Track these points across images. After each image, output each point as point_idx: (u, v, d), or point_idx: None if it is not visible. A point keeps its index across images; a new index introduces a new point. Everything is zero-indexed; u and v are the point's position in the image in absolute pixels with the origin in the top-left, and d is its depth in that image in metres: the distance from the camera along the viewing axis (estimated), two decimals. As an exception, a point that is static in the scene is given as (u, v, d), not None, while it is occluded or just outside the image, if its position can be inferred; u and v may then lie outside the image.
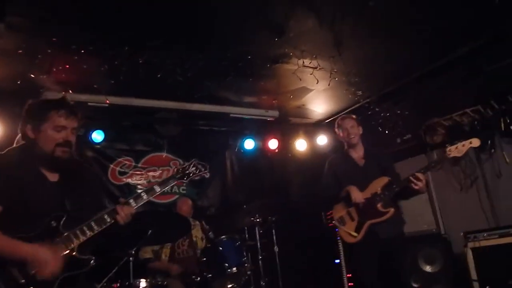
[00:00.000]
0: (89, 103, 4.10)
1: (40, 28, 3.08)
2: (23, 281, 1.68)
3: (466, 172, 4.30)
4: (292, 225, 4.89)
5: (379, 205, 3.01)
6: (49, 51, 3.26)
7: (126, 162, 4.84)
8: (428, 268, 4.06)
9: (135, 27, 3.20)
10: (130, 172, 4.83)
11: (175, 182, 2.24)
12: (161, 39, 3.34)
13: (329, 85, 4.27)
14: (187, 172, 2.29)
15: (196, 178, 2.32)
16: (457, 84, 4.35)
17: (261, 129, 5.53)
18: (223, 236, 3.69)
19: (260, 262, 4.07)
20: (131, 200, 2.01)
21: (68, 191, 1.94)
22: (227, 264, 3.47)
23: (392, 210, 3.00)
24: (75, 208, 1.92)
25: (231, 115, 4.98)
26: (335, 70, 4.06)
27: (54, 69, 3.47)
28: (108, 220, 1.90)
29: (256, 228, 4.12)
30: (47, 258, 1.71)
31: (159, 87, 3.88)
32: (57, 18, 3.00)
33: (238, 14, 3.17)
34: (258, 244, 4.10)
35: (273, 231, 4.34)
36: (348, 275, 4.70)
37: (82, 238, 1.84)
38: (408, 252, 4.18)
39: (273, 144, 5.55)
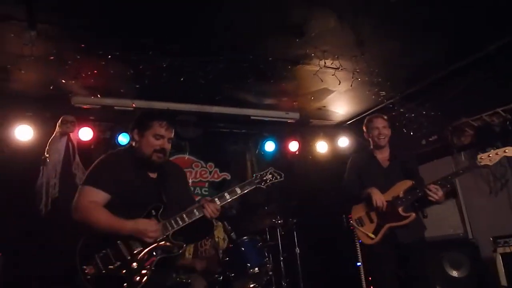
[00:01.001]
0: (115, 107, 4.24)
1: (69, 35, 3.22)
2: (129, 257, 2.07)
3: (496, 174, 4.14)
4: (313, 227, 4.87)
5: (400, 209, 2.95)
6: (78, 57, 3.40)
7: (150, 164, 4.97)
8: (454, 273, 3.95)
9: (158, 32, 3.29)
10: (154, 173, 4.95)
11: (252, 187, 2.44)
12: (183, 44, 3.42)
13: (351, 86, 4.22)
14: (265, 178, 2.50)
15: (274, 184, 2.54)
16: (486, 82, 4.17)
17: (281, 131, 5.53)
18: (245, 237, 3.72)
19: (281, 263, 4.09)
20: (216, 198, 2.31)
21: (164, 186, 2.28)
22: (249, 264, 3.51)
23: (413, 215, 2.93)
24: (170, 201, 2.25)
25: (251, 117, 5.00)
26: (358, 70, 4.00)
27: (83, 75, 3.60)
28: (197, 213, 2.23)
29: (278, 230, 4.13)
30: (147, 226, 2.10)
31: (181, 90, 3.97)
32: (85, 25, 3.14)
33: (258, 16, 3.19)
34: (280, 245, 4.12)
35: (294, 232, 4.35)
36: (369, 278, 4.62)
37: (176, 227, 2.18)
38: (433, 257, 4.09)
39: (293, 146, 5.53)
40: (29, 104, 4.22)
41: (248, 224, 4.36)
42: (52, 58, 3.35)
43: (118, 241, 2.08)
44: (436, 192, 2.83)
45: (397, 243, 2.94)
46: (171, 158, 5.02)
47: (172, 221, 2.18)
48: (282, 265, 4.08)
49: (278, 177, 2.56)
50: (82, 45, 3.31)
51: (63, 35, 3.20)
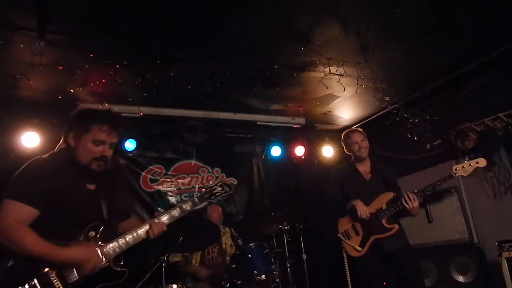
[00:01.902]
0: (122, 114, 4.26)
1: (78, 45, 3.24)
2: (60, 287, 1.74)
3: (500, 178, 4.17)
4: (320, 232, 4.88)
5: (383, 221, 3.07)
6: (86, 66, 3.42)
7: (157, 169, 4.99)
8: (460, 278, 3.97)
9: (166, 41, 3.32)
10: (161, 179, 4.98)
11: (204, 203, 2.36)
12: (190, 52, 3.44)
13: (356, 91, 4.25)
14: (214, 192, 2.38)
15: (223, 197, 2.44)
16: (488, 87, 4.23)
17: (287, 136, 5.57)
18: (252, 244, 3.73)
19: (288, 269, 4.09)
20: (164, 218, 2.10)
21: (104, 199, 1.98)
22: (256, 271, 3.52)
23: (396, 226, 3.06)
24: (110, 217, 1.98)
25: (258, 122, 5.03)
26: (362, 76, 4.04)
27: (91, 83, 3.63)
28: (142, 235, 2.00)
29: (284, 236, 4.15)
30: (86, 256, 1.80)
31: (188, 98, 3.99)
32: (94, 35, 3.16)
33: (264, 24, 3.22)
34: (286, 251, 4.13)
35: (301, 238, 4.36)
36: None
37: (118, 250, 1.92)
38: (440, 261, 4.11)
39: (299, 151, 5.57)
40: (36, 111, 4.24)
41: (255, 230, 4.38)
42: (61, 68, 3.37)
43: (47, 269, 1.74)
44: (412, 201, 2.97)
45: (385, 252, 3.04)
46: (178, 164, 5.16)
47: (115, 245, 1.90)
48: (289, 272, 4.09)
49: (228, 189, 2.43)
50: (91, 55, 3.33)
51: (72, 45, 3.22)
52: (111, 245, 1.90)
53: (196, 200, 2.25)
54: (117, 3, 2.86)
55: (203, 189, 2.37)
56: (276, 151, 5.51)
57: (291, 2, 2.95)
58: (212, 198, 2.36)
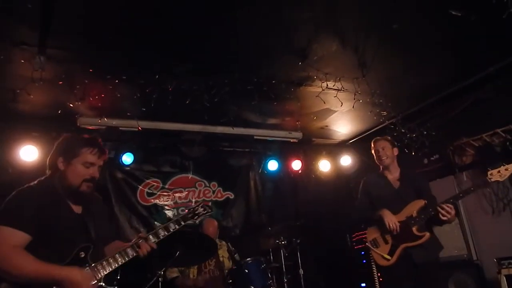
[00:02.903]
0: (120, 128, 4.29)
1: (78, 59, 3.28)
2: None
3: (499, 195, 4.16)
4: (317, 247, 4.86)
5: (414, 229, 2.95)
6: (86, 80, 3.46)
7: (154, 183, 5.00)
8: (459, 295, 3.94)
9: (165, 57, 3.36)
10: (158, 193, 4.98)
11: (187, 221, 2.38)
12: (189, 67, 3.49)
13: (353, 106, 4.28)
14: (197, 212, 2.46)
15: (204, 218, 2.49)
16: (486, 103, 4.27)
17: (284, 150, 5.58)
18: (249, 258, 3.72)
19: (285, 284, 4.06)
20: (151, 236, 2.16)
21: (90, 221, 2.07)
22: (252, 287, 3.52)
23: (427, 234, 2.93)
24: (98, 238, 2.05)
25: (255, 137, 5.05)
26: (359, 91, 4.07)
27: (90, 98, 3.66)
28: (131, 253, 2.06)
29: (281, 250, 4.13)
30: (82, 279, 1.84)
31: (187, 112, 4.02)
32: (93, 50, 3.20)
33: (262, 40, 3.27)
34: (283, 266, 4.10)
35: (298, 253, 4.33)
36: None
37: (108, 269, 1.97)
38: (439, 278, 4.06)
39: (296, 165, 5.57)
40: (34, 124, 4.26)
41: (252, 245, 4.36)
42: (61, 82, 3.41)
43: None
44: (449, 211, 2.83)
45: (413, 263, 2.91)
46: (175, 177, 5.17)
47: (104, 263, 1.97)
48: (286, 287, 4.06)
49: (210, 210, 2.54)
50: (91, 70, 3.37)
51: (72, 59, 3.27)
52: (101, 264, 1.97)
53: (180, 220, 2.33)
54: (117, 20, 2.91)
55: (187, 210, 2.46)
56: (273, 165, 5.51)
57: (289, 17, 2.99)
58: (195, 218, 2.44)
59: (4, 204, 1.92)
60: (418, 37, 3.37)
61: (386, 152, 3.24)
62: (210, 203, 5.23)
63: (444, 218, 2.85)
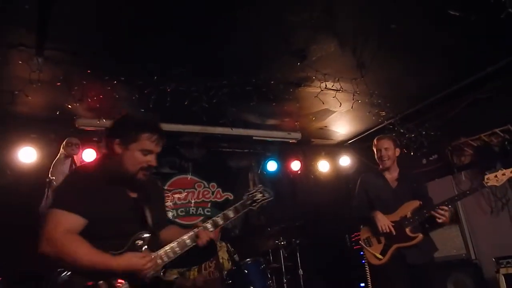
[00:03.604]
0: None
1: (76, 61, 3.28)
2: None
3: (497, 194, 4.17)
4: (316, 248, 4.86)
5: (407, 230, 2.95)
6: (84, 82, 3.46)
7: (153, 184, 4.98)
8: (458, 294, 3.95)
9: (163, 58, 3.36)
10: (157, 194, 4.96)
11: (246, 209, 2.22)
12: (187, 69, 3.49)
13: (352, 107, 4.29)
14: (255, 199, 2.26)
15: (264, 204, 2.29)
16: (485, 103, 4.27)
17: (283, 151, 5.59)
18: (248, 259, 3.71)
19: (285, 285, 4.07)
20: (209, 225, 2.03)
21: (147, 207, 1.93)
22: (252, 287, 3.50)
23: (420, 235, 2.93)
24: (154, 225, 1.93)
25: (254, 137, 5.06)
26: (358, 92, 4.08)
27: (88, 99, 3.65)
28: (189, 243, 1.94)
29: (281, 251, 4.13)
30: (141, 261, 1.74)
31: (185, 113, 4.02)
32: (91, 52, 3.20)
33: (261, 41, 3.27)
34: (283, 266, 4.10)
35: (298, 254, 4.34)
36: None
37: (166, 260, 1.87)
38: (437, 278, 4.07)
39: (295, 165, 5.58)
40: (33, 126, 4.26)
41: (251, 246, 4.36)
42: (59, 84, 3.40)
43: (100, 282, 1.68)
44: (444, 214, 2.83)
45: (407, 264, 2.91)
46: (174, 179, 5.15)
47: (163, 254, 1.86)
48: (285, 287, 4.06)
49: (267, 195, 2.32)
50: (89, 71, 3.37)
51: (70, 61, 3.26)
52: (159, 254, 1.86)
53: (239, 207, 2.19)
54: (115, 21, 2.90)
55: (244, 196, 2.25)
56: (272, 166, 5.51)
57: (288, 19, 2.99)
58: (253, 205, 2.24)
59: (58, 186, 1.85)
60: (416, 38, 3.38)
61: (388, 153, 3.21)
62: (209, 204, 5.25)
63: (439, 221, 2.85)
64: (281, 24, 3.07)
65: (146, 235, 1.84)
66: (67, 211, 1.71)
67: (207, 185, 5.28)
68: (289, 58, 3.51)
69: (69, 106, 3.72)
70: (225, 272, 3.97)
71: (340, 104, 4.20)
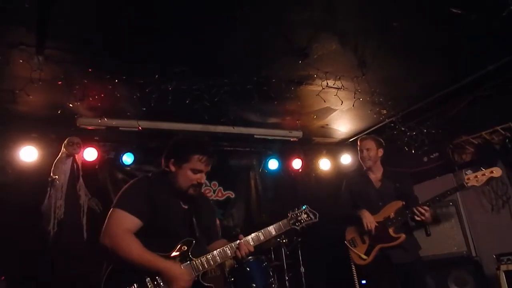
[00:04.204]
0: (120, 128, 4.28)
1: (77, 60, 3.27)
2: None
3: (498, 192, 4.18)
4: (317, 245, 4.87)
5: (390, 230, 3.03)
6: (85, 81, 3.45)
7: (155, 183, 4.98)
8: (459, 291, 3.97)
9: (164, 57, 3.35)
10: (159, 193, 4.97)
11: (287, 229, 2.35)
12: (188, 67, 3.47)
13: (353, 105, 4.28)
14: (299, 218, 2.41)
15: (308, 225, 2.43)
16: (486, 101, 4.28)
17: (284, 149, 5.59)
18: (250, 257, 3.73)
19: (286, 282, 4.09)
20: (251, 239, 2.21)
21: (196, 218, 2.19)
22: (254, 285, 3.54)
23: (403, 236, 3.00)
24: (200, 234, 2.16)
25: (255, 136, 5.04)
26: (359, 90, 4.06)
27: (90, 98, 3.64)
28: (229, 253, 2.14)
29: (282, 249, 4.15)
30: (180, 275, 1.95)
31: (187, 112, 4.01)
32: (91, 50, 3.19)
33: (262, 39, 3.26)
34: (285, 264, 4.12)
35: (299, 251, 4.35)
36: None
37: (207, 266, 2.07)
38: (438, 275, 4.10)
39: (297, 164, 5.59)
40: (34, 125, 4.26)
41: (253, 244, 4.35)
42: (60, 83, 3.39)
43: (147, 278, 1.93)
44: (423, 213, 2.92)
45: (392, 264, 2.98)
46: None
47: (204, 261, 2.06)
48: (287, 285, 4.08)
49: (313, 217, 2.43)
50: (90, 70, 3.36)
51: (71, 60, 3.25)
52: (200, 260, 2.06)
53: (282, 226, 2.34)
54: (116, 20, 2.89)
55: (289, 214, 2.41)
56: (273, 164, 5.52)
57: (289, 17, 2.98)
58: (297, 224, 2.38)
59: (122, 190, 2.10)
60: (418, 37, 3.37)
61: (369, 153, 3.29)
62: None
63: (418, 219, 2.93)
64: (281, 23, 3.06)
65: (191, 241, 2.07)
66: (128, 212, 1.99)
67: (208, 184, 5.30)
68: (290, 56, 3.50)
69: (70, 105, 3.70)
70: (227, 270, 3.99)
71: (342, 102, 4.19)
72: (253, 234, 2.23)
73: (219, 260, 2.09)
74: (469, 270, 3.97)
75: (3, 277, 3.58)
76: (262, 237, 2.24)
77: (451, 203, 4.36)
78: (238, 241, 2.18)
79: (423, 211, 2.92)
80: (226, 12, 2.88)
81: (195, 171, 2.12)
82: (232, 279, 3.70)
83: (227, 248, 2.13)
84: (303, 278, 4.29)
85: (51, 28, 2.84)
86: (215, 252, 2.10)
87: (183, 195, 2.15)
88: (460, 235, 4.26)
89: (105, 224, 1.99)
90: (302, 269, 4.31)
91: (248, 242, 2.19)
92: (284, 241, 4.14)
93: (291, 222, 2.37)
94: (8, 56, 3.11)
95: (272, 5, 2.85)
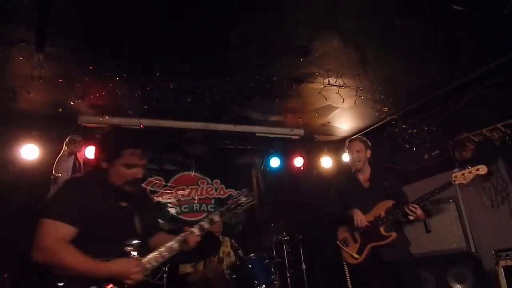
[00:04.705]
0: (122, 126, 4.27)
1: (77, 57, 3.26)
2: None
3: (497, 188, 4.20)
4: (319, 243, 4.89)
5: (381, 229, 3.07)
6: (86, 79, 3.44)
7: (157, 181, 5.01)
8: (458, 287, 3.99)
9: (166, 55, 3.35)
10: (161, 191, 4.99)
11: (230, 213, 2.37)
12: (190, 66, 3.48)
13: (355, 103, 4.29)
14: (240, 202, 2.40)
15: (246, 207, 2.43)
16: (487, 98, 4.29)
17: (286, 147, 5.59)
18: (252, 254, 3.78)
19: (288, 279, 4.12)
20: (195, 229, 2.13)
21: (136, 214, 2.06)
22: (256, 281, 3.57)
23: (394, 234, 3.04)
24: (144, 230, 2.06)
25: (256, 134, 5.05)
26: (361, 88, 4.07)
27: (91, 96, 3.64)
28: (177, 248, 2.05)
29: (284, 246, 4.17)
30: (129, 267, 1.83)
31: (188, 110, 4.02)
32: (92, 48, 3.19)
33: (264, 37, 3.26)
34: (286, 261, 4.15)
35: (301, 248, 4.38)
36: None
37: (155, 265, 1.97)
38: (438, 271, 4.13)
39: (298, 161, 5.59)
40: (35, 123, 4.24)
41: (255, 241, 4.40)
42: (60, 80, 3.38)
43: (93, 287, 1.77)
44: (414, 211, 2.97)
45: (383, 262, 3.03)
46: (177, 175, 5.15)
47: (152, 259, 1.96)
48: (289, 282, 4.11)
49: (251, 198, 2.47)
50: (90, 67, 3.35)
51: (71, 57, 3.25)
52: (147, 259, 1.96)
53: (225, 211, 2.33)
54: (116, 18, 2.89)
55: (230, 200, 2.41)
56: (275, 162, 5.53)
57: (290, 15, 2.99)
58: (238, 208, 2.39)
59: (50, 197, 1.95)
60: (419, 34, 3.38)
61: (360, 155, 3.33)
62: (212, 201, 5.28)
63: (411, 218, 2.99)
64: (283, 21, 3.06)
65: (135, 241, 1.94)
66: (58, 221, 1.81)
67: (210, 182, 5.30)
68: (292, 54, 3.50)
69: (71, 103, 3.69)
70: (226, 265, 4.01)
71: (343, 100, 4.20)
72: (198, 224, 2.17)
73: (167, 256, 2.00)
74: (468, 266, 4.00)
75: (5, 275, 3.59)
76: (207, 225, 2.18)
77: (451, 200, 4.38)
78: (183, 233, 2.10)
79: (413, 209, 2.97)
80: (227, 10, 2.88)
81: (129, 166, 1.95)
82: (234, 276, 3.72)
83: (173, 242, 2.04)
84: (304, 275, 4.31)
85: (51, 26, 2.83)
86: (162, 248, 2.00)
87: (120, 193, 2.01)
88: (459, 231, 4.29)
89: (36, 238, 1.79)
90: (304, 266, 4.34)
91: (193, 232, 2.11)
92: (285, 238, 4.16)
93: (232, 206, 2.37)
94: (8, 54, 3.10)
95: (274, 3, 2.84)
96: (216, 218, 2.24)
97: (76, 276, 1.75)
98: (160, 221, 4.68)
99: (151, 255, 1.96)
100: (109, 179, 1.97)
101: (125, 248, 1.90)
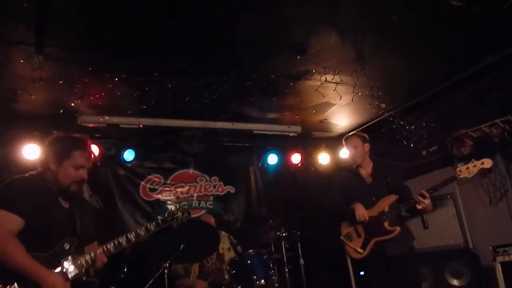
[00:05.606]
0: (121, 125, 4.32)
1: (77, 58, 3.29)
2: None
3: (496, 184, 4.21)
4: (317, 238, 4.94)
5: (385, 224, 3.08)
6: (85, 79, 3.47)
7: (156, 179, 5.06)
8: (455, 282, 4.04)
9: (164, 54, 3.37)
10: (160, 188, 5.05)
11: (163, 226, 2.45)
12: (188, 65, 3.50)
13: (352, 99, 4.29)
14: (176, 216, 2.50)
15: (180, 223, 2.53)
16: (485, 94, 4.28)
17: (284, 144, 5.61)
18: (251, 250, 3.84)
19: (286, 274, 4.17)
20: (110, 247, 2.17)
21: (77, 217, 2.18)
22: (255, 277, 3.62)
23: (398, 229, 3.06)
24: (82, 233, 2.16)
25: (254, 131, 5.08)
26: (358, 84, 4.07)
27: (90, 96, 3.68)
28: (84, 263, 2.08)
29: (282, 242, 4.21)
30: (56, 283, 1.89)
31: (186, 109, 4.04)
32: (91, 49, 3.22)
33: (261, 35, 3.27)
34: (284, 257, 4.19)
35: (299, 244, 4.42)
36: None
37: (85, 266, 2.07)
38: (435, 266, 4.16)
39: (296, 158, 5.61)
40: (36, 124, 4.28)
41: (253, 238, 4.45)
42: (61, 82, 3.42)
43: (16, 284, 1.85)
44: (423, 201, 2.94)
45: (385, 256, 3.05)
46: (176, 173, 5.22)
47: (86, 258, 2.08)
48: (287, 277, 4.16)
49: (188, 216, 2.57)
50: (90, 68, 3.38)
51: (70, 58, 3.27)
52: (82, 257, 2.08)
53: (160, 222, 2.41)
54: (115, 18, 2.91)
55: (166, 213, 2.51)
56: (272, 159, 5.56)
57: (288, 12, 2.99)
58: (173, 221, 2.49)
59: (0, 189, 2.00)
60: (417, 30, 3.37)
61: (357, 150, 3.34)
62: (211, 198, 5.33)
63: (419, 207, 2.97)
64: (280, 18, 3.07)
65: (74, 239, 2.09)
66: (8, 211, 1.91)
67: (209, 179, 5.34)
68: (289, 51, 3.51)
69: (71, 103, 3.74)
70: (227, 261, 4.06)
71: (340, 97, 4.20)
72: (115, 240, 2.20)
73: (90, 263, 2.08)
74: (465, 262, 4.03)
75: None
76: (124, 243, 2.20)
77: (449, 196, 4.40)
78: (92, 253, 2.12)
79: (424, 197, 2.93)
80: (224, 8, 2.89)
81: (77, 167, 2.11)
82: (234, 271, 3.78)
83: (86, 256, 2.09)
84: (302, 270, 4.36)
85: (51, 26, 2.85)
86: (81, 258, 2.07)
87: (63, 194, 2.14)
88: (457, 228, 4.31)
89: None
90: (302, 262, 4.38)
91: (104, 251, 2.15)
92: (284, 234, 4.20)
93: (168, 219, 2.46)
94: (8, 56, 3.14)
95: (273, 2, 2.85)
96: (142, 232, 2.30)
97: (14, 270, 1.82)
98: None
99: (86, 255, 2.09)
100: (56, 180, 2.10)
101: (65, 244, 2.04)
